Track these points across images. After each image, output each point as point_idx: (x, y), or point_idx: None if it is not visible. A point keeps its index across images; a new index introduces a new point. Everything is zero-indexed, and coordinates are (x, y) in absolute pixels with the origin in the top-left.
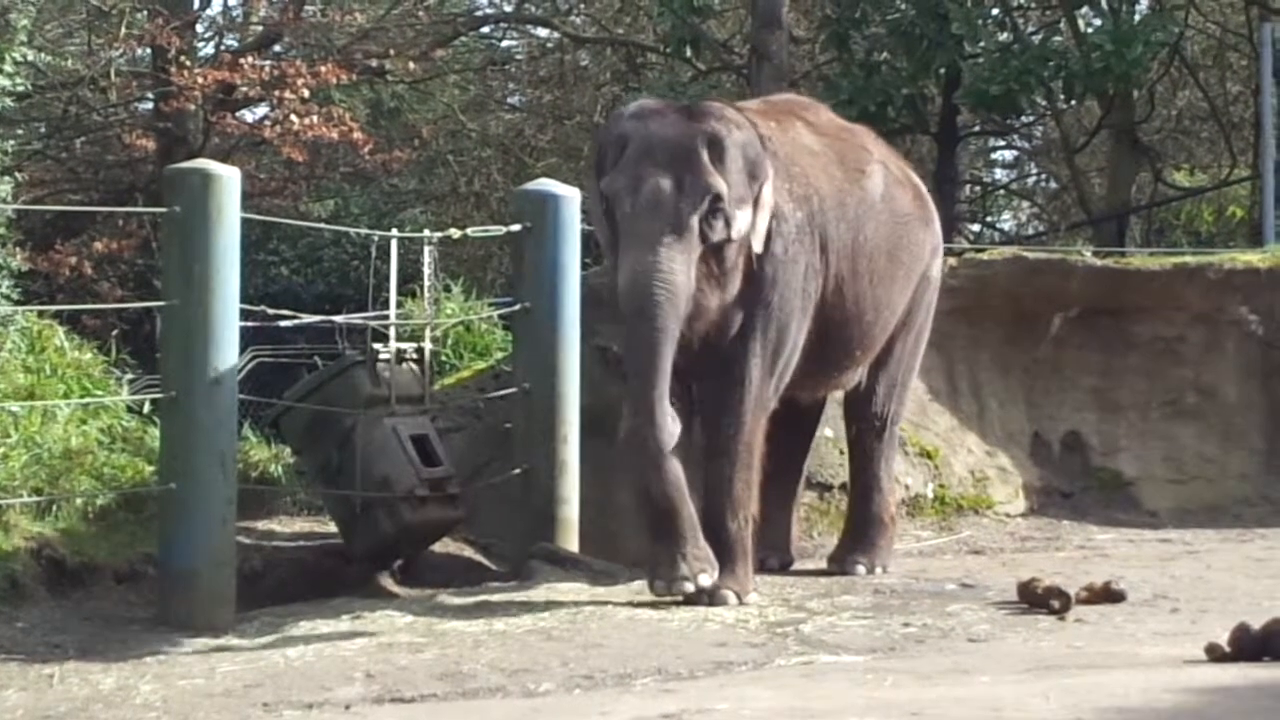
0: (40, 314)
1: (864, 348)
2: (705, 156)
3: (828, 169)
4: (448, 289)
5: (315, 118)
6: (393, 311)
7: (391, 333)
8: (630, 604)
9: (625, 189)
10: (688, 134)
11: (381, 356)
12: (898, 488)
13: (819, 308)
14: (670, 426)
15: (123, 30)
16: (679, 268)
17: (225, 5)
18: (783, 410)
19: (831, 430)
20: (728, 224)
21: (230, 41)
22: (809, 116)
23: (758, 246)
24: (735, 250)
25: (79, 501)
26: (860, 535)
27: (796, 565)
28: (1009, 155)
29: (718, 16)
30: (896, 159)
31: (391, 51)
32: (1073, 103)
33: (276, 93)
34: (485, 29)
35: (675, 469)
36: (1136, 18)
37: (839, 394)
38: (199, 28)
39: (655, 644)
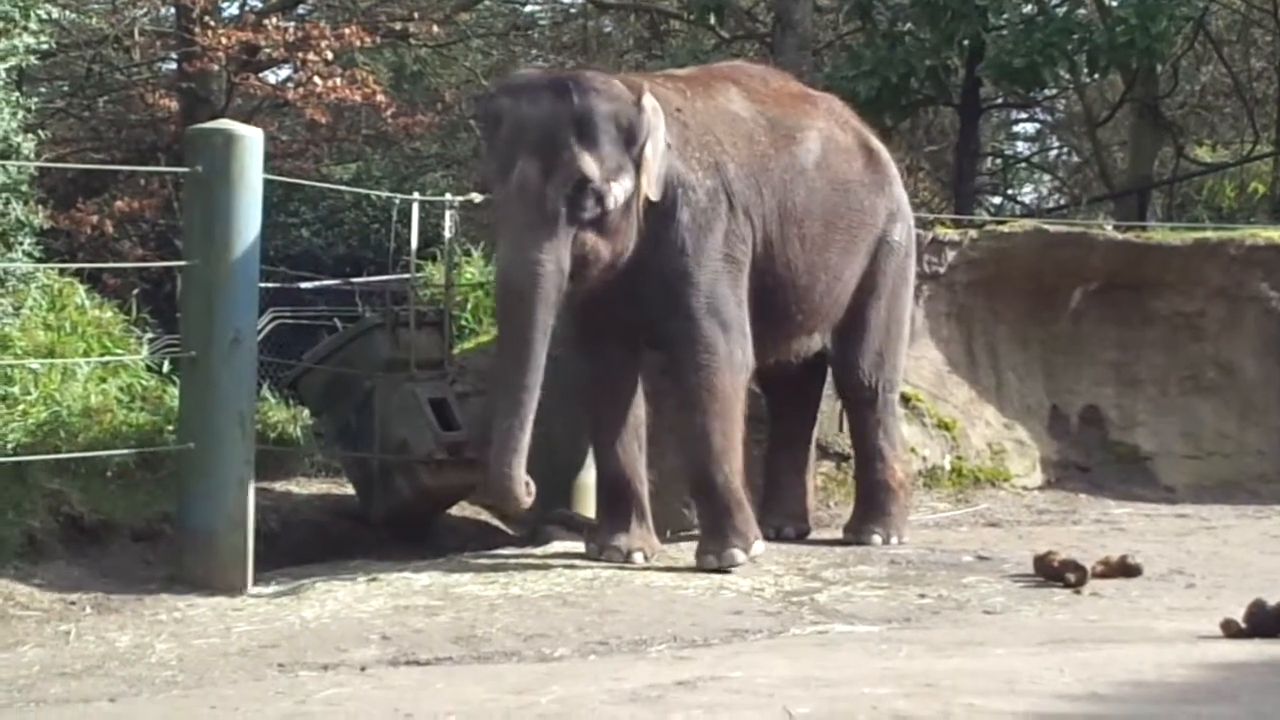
0: (61, 272)
1: (807, 312)
2: (573, 138)
3: (751, 136)
4: (468, 253)
5: (338, 80)
6: (413, 275)
7: (411, 296)
8: (646, 570)
9: (497, 174)
10: (555, 115)
11: (401, 320)
12: (915, 459)
13: (753, 271)
14: (522, 478)
15: None
16: (547, 258)
17: None
18: (779, 380)
19: None
20: (600, 200)
21: (254, 2)
22: (751, 84)
23: (654, 195)
24: (618, 215)
25: (97, 460)
26: (871, 504)
27: (813, 535)
28: (1031, 128)
29: None
30: (853, 126)
31: (415, 15)
32: (1096, 76)
33: (300, 54)
34: None
35: (634, 452)
36: None
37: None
38: None
39: (670, 611)
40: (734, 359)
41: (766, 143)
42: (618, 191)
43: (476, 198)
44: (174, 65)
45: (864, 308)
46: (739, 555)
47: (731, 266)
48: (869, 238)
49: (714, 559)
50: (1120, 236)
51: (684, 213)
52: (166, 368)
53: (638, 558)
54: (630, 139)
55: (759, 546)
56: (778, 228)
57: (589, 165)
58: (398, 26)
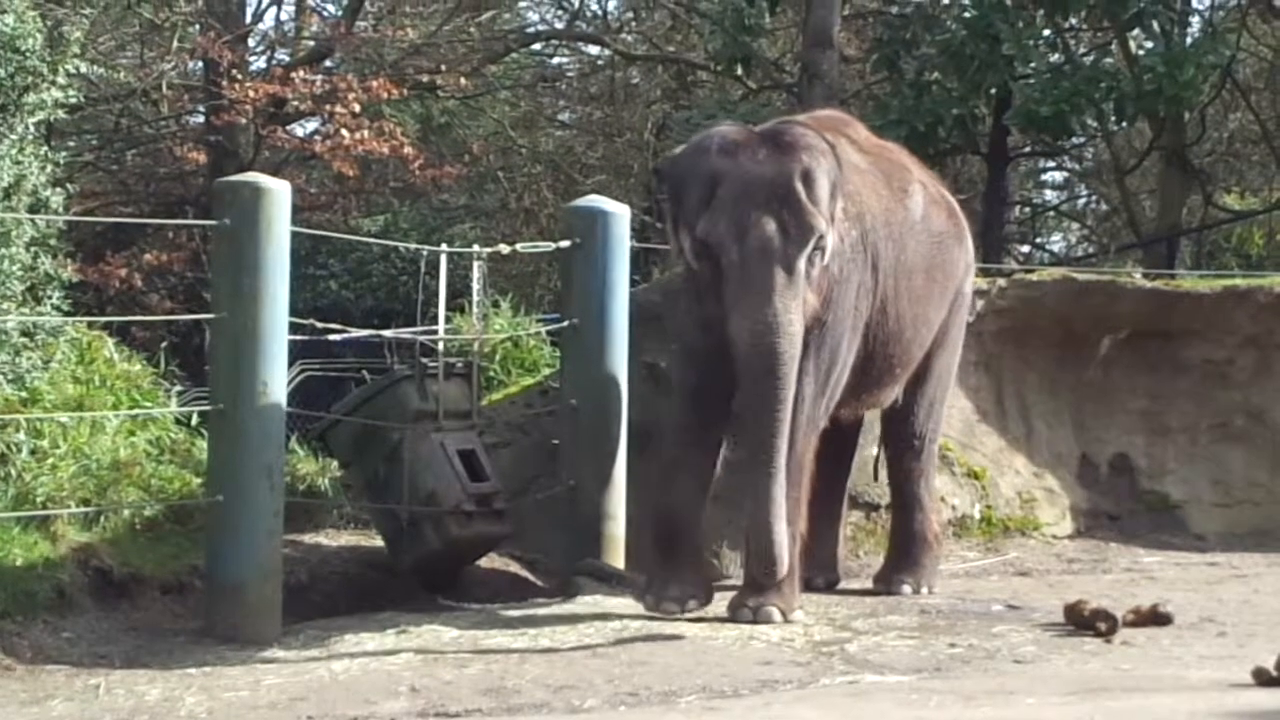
0: (90, 325)
1: (904, 365)
2: (803, 195)
3: (876, 187)
4: (496, 304)
5: (366, 132)
6: (441, 326)
7: (440, 347)
8: (675, 621)
9: (730, 235)
10: (784, 171)
11: (430, 371)
12: (944, 508)
13: (865, 325)
14: (788, 544)
15: (175, 44)
16: (796, 318)
17: (277, 20)
18: (826, 429)
19: (879, 450)
20: (823, 255)
21: (282, 56)
22: (851, 133)
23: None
24: (819, 270)
25: (126, 513)
26: (905, 555)
27: (843, 584)
28: (1059, 176)
29: (769, 35)
30: (932, 177)
31: (443, 67)
32: (1124, 124)
33: (327, 107)
34: (536, 46)
35: (695, 494)
36: (1189, 40)
37: (878, 412)
38: (251, 42)
39: (700, 662)
40: (816, 425)
41: (888, 195)
42: (830, 244)
43: (504, 249)
44: (202, 118)
45: (930, 358)
46: (775, 614)
47: (856, 321)
48: (952, 289)
49: (750, 613)
50: (1149, 285)
51: (833, 262)
52: (195, 420)
53: (693, 605)
54: (835, 193)
55: (798, 615)
56: (893, 281)
57: (821, 222)
58: (425, 79)
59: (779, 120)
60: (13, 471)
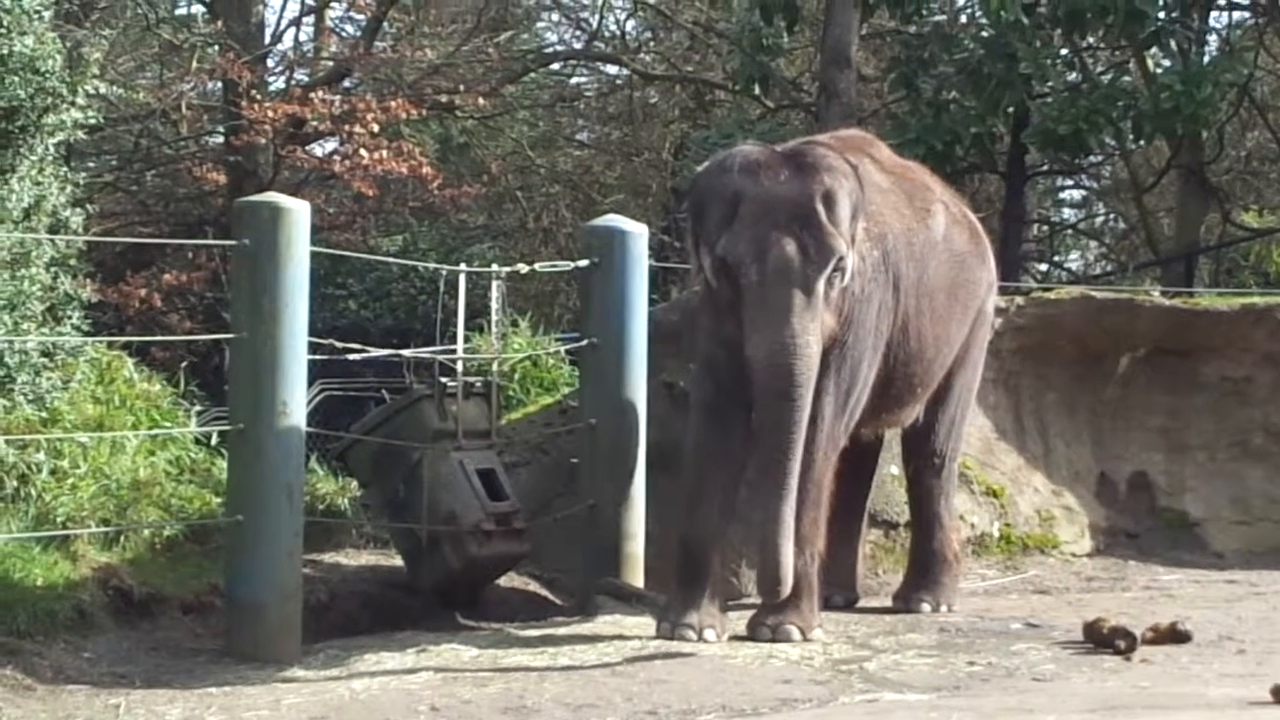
0: (110, 345)
1: (925, 385)
2: (824, 216)
3: (898, 207)
4: (515, 324)
5: (385, 152)
6: (460, 346)
7: (459, 367)
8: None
9: (750, 255)
10: (805, 192)
11: (449, 390)
12: (963, 526)
13: (886, 345)
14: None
15: (194, 64)
16: (814, 340)
17: (296, 40)
18: (845, 447)
19: (898, 468)
20: (843, 276)
21: (301, 76)
22: (874, 153)
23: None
24: (838, 291)
25: (146, 532)
26: (924, 573)
27: (862, 603)
28: (1077, 195)
29: (786, 55)
30: (954, 197)
31: (461, 87)
32: (1141, 143)
33: (346, 127)
34: (555, 66)
35: (716, 520)
36: (1206, 59)
37: (898, 431)
38: (270, 62)
39: (719, 680)
40: (836, 444)
41: (910, 215)
42: (850, 266)
43: (523, 269)
44: (221, 139)
45: (952, 377)
46: (795, 633)
47: (877, 341)
48: (975, 308)
49: (769, 631)
50: (1167, 303)
51: (854, 282)
52: (215, 440)
53: (710, 635)
54: (856, 215)
55: (817, 633)
56: (915, 301)
57: (841, 244)
58: (444, 99)
59: (802, 140)
60: (33, 491)
